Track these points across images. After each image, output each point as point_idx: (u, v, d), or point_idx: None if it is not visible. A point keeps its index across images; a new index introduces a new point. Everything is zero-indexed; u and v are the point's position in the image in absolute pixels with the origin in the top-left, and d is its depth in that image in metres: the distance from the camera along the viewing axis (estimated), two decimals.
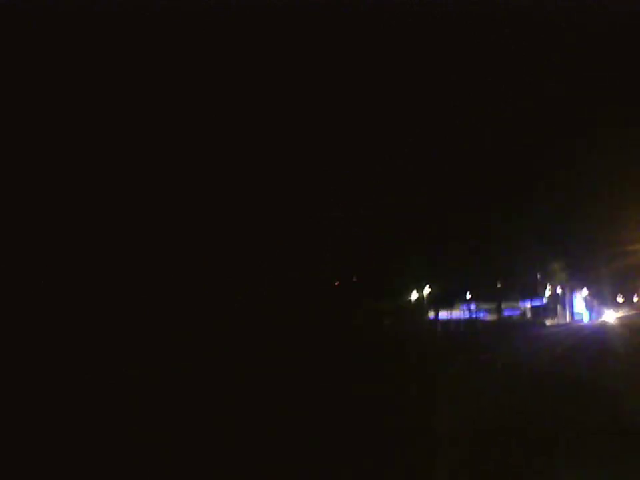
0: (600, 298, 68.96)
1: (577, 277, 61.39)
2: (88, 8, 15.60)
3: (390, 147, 29.48)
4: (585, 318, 66.05)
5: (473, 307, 51.87)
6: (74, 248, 18.00)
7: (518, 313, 57.58)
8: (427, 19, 19.58)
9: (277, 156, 23.58)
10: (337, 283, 36.39)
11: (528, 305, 57.92)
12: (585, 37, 22.23)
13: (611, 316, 64.32)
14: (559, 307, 60.61)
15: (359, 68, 21.26)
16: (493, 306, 54.19)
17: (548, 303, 59.62)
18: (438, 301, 47.17)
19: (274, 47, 19.26)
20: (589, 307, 69.56)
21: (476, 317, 52.32)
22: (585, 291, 66.01)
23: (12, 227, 16.77)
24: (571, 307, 64.78)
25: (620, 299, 71.95)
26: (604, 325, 51.58)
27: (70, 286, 17.79)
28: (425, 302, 46.67)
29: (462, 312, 52.14)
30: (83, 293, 17.92)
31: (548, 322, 54.59)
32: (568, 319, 61.82)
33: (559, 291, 61.31)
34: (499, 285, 52.14)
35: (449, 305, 49.60)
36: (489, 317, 53.92)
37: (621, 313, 67.90)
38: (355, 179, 29.21)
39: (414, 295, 45.39)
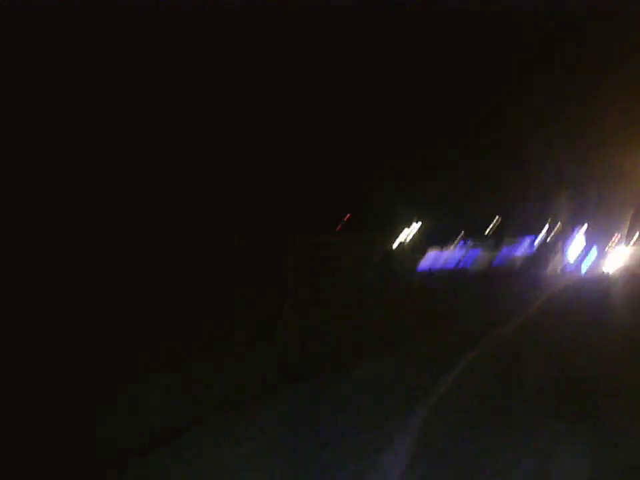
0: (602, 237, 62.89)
1: (581, 215, 58.89)
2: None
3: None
4: (584, 265, 58.74)
5: (468, 244, 52.32)
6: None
7: (515, 252, 56.26)
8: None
9: None
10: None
11: (523, 249, 56.85)
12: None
13: (614, 262, 56.99)
14: (554, 251, 58.81)
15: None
16: (490, 242, 53.45)
17: (544, 247, 57.60)
18: (429, 240, 45.49)
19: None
20: (588, 252, 62.00)
21: (464, 265, 50.67)
22: (584, 228, 61.88)
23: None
24: (564, 250, 59.76)
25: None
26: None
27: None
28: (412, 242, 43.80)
29: (456, 251, 51.72)
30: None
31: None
32: (562, 265, 57.51)
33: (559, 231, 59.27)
34: (495, 221, 52.60)
35: (442, 244, 49.58)
36: (482, 260, 51.87)
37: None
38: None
39: (403, 234, 42.86)
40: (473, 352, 14.21)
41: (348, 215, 34.39)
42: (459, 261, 50.39)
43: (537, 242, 57.47)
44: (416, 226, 43.79)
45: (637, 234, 66.98)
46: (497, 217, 52.34)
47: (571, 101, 37.24)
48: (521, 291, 31.73)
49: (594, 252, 60.84)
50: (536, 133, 40.73)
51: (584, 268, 57.00)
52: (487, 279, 41.41)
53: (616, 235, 64.98)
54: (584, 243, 61.28)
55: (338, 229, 33.85)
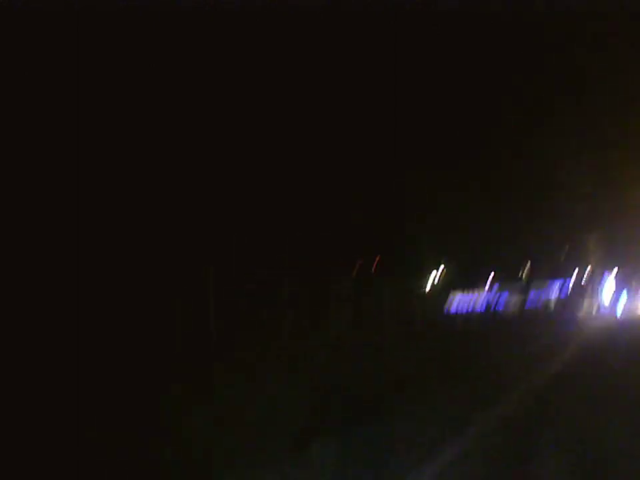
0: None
1: (614, 256, 58.44)
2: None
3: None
4: (618, 308, 59.99)
5: (497, 287, 51.73)
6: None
7: (543, 297, 56.06)
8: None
9: None
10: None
11: (554, 293, 56.59)
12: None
13: None
14: (588, 294, 58.95)
15: None
16: (520, 285, 53.08)
17: (577, 290, 57.90)
18: (456, 284, 45.24)
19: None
20: (622, 294, 62.95)
21: (495, 307, 50.76)
22: (614, 272, 61.59)
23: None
24: (597, 293, 60.58)
25: None
26: None
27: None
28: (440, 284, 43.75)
29: (485, 294, 51.37)
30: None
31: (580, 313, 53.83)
32: (595, 308, 58.75)
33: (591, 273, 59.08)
34: (527, 265, 52.23)
35: (470, 287, 49.54)
36: (513, 304, 52.29)
37: None
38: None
39: (431, 277, 42.76)
40: None
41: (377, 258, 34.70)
42: (490, 304, 49.83)
43: (568, 285, 57.05)
44: (443, 269, 43.47)
45: None
46: (526, 260, 51.91)
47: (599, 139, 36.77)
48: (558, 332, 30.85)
49: (625, 295, 60.98)
50: (563, 173, 40.22)
51: (618, 310, 57.07)
52: (521, 321, 41.29)
53: None
54: (615, 286, 61.36)
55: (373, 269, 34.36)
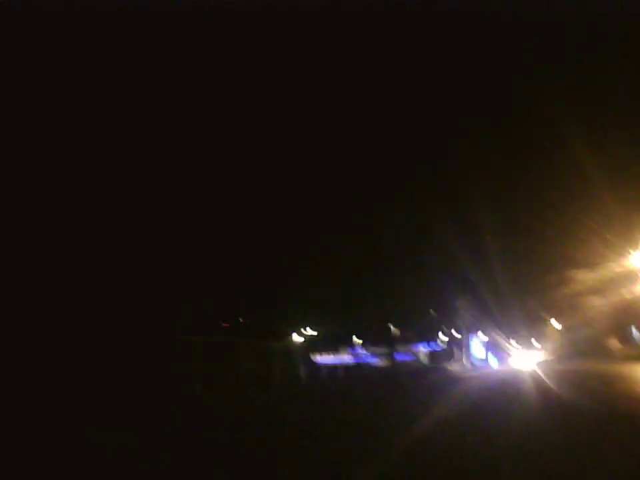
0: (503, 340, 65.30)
1: (481, 318, 60.07)
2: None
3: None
4: (493, 363, 60.99)
5: (361, 351, 52.17)
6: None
7: (413, 358, 56.89)
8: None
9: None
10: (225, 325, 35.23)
11: (425, 349, 57.79)
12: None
13: (527, 359, 57.92)
14: (459, 350, 60.49)
15: None
16: (385, 350, 53.71)
17: (448, 346, 59.19)
18: (321, 343, 45.21)
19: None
20: (493, 350, 65.83)
21: (363, 361, 48.76)
22: (489, 333, 64.38)
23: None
24: (468, 349, 62.79)
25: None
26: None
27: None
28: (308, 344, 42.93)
29: (350, 356, 51.56)
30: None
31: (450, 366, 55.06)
32: (467, 363, 60.28)
33: (459, 334, 60.61)
34: (392, 328, 52.74)
35: (335, 348, 50.13)
36: (382, 363, 52.58)
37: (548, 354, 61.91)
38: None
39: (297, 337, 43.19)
40: None
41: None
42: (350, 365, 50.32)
43: (435, 346, 58.48)
44: (310, 331, 44.23)
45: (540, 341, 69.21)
46: (391, 325, 52.98)
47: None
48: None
49: (493, 355, 63.32)
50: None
51: (493, 365, 59.13)
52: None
53: (512, 340, 67.08)
54: (484, 346, 63.56)
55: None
